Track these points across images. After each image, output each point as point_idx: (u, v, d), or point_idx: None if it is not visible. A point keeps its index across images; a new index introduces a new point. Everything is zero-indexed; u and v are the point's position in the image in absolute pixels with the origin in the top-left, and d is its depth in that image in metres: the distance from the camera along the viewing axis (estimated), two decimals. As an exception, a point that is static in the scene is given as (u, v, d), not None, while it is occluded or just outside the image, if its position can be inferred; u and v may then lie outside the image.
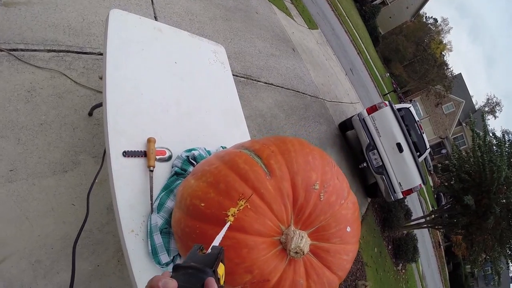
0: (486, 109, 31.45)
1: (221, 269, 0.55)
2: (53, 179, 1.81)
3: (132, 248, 1.14)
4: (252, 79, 4.65)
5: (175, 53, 1.71)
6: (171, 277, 0.48)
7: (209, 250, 0.57)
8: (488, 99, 33.33)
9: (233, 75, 4.14)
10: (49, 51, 2.09)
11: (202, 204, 0.88)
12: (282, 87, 5.43)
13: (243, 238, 0.83)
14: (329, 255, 0.94)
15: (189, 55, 1.80)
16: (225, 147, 1.68)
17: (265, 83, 4.97)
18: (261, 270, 0.85)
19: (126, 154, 1.23)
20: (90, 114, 2.10)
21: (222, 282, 0.56)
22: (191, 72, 1.75)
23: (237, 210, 0.83)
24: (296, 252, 0.84)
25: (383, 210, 7.62)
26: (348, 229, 0.97)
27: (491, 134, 6.12)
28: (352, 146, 7.15)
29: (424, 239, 11.62)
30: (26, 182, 1.70)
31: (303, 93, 6.17)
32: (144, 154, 1.29)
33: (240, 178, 0.88)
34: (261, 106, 4.50)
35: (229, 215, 0.83)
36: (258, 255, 0.85)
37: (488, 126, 6.32)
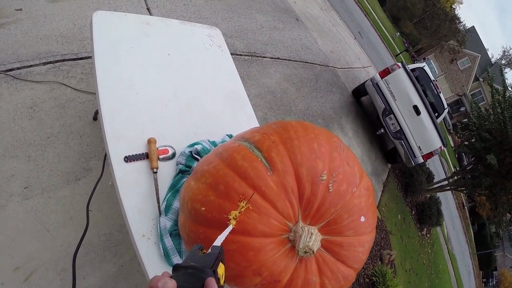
0: (503, 62, 30.02)
1: (221, 269, 0.55)
2: (67, 189, 1.85)
3: (145, 253, 1.13)
4: (257, 56, 4.51)
5: (167, 44, 1.63)
6: (170, 277, 0.48)
7: (209, 250, 0.58)
8: (504, 52, 31.82)
9: (237, 54, 4.08)
10: (45, 63, 2.09)
11: (203, 208, 0.83)
12: (289, 60, 5.27)
13: (248, 241, 0.78)
14: (342, 249, 0.88)
15: (183, 44, 1.71)
16: (231, 135, 1.62)
17: (271, 58, 4.83)
18: (271, 271, 0.80)
19: (127, 159, 1.20)
20: (95, 118, 2.09)
21: (222, 282, 0.55)
22: (186, 61, 1.67)
23: (239, 213, 0.78)
24: (306, 252, 0.78)
25: (405, 175, 7.48)
26: (362, 219, 0.90)
27: (510, 89, 5.81)
28: (367, 112, 6.95)
29: (447, 201, 11.45)
30: (42, 197, 1.74)
31: (312, 63, 5.98)
32: (146, 156, 1.25)
33: (239, 177, 0.82)
34: (270, 82, 4.39)
35: (230, 219, 0.78)
36: (266, 256, 0.80)
37: (506, 80, 5.97)
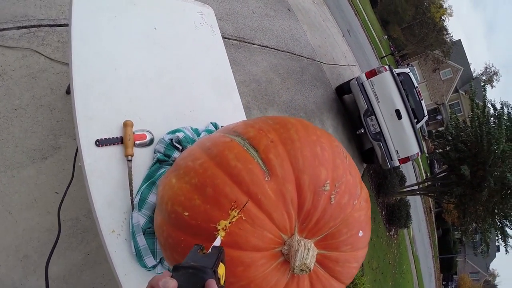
0: (484, 77, 31.14)
1: (221, 269, 0.54)
2: (33, 168, 1.70)
3: (114, 250, 1.01)
4: (245, 42, 4.35)
5: (155, 18, 1.46)
6: (171, 276, 0.47)
7: (210, 250, 0.57)
8: (486, 68, 32.97)
9: (225, 37, 3.88)
10: (19, 28, 1.89)
11: (186, 213, 0.70)
12: (277, 50, 5.13)
13: (238, 256, 0.67)
14: (337, 265, 0.79)
15: (171, 19, 1.54)
16: (216, 124, 1.49)
17: (259, 45, 4.67)
18: (260, 287, 0.70)
19: (99, 143, 1.05)
20: (68, 92, 1.90)
21: (222, 282, 0.55)
22: (174, 38, 1.51)
23: (229, 223, 0.66)
24: (302, 270, 0.68)
25: (379, 176, 7.59)
26: (361, 233, 0.81)
27: (490, 105, 5.97)
28: (349, 110, 6.94)
29: (416, 204, 11.84)
30: (4, 175, 1.60)
31: (299, 55, 5.87)
32: (120, 140, 1.11)
33: (231, 180, 0.70)
34: (255, 70, 4.25)
35: (219, 229, 0.66)
36: (256, 272, 0.69)
37: (486, 97, 6.16)
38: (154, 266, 1.06)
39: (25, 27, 1.91)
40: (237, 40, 4.18)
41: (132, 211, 1.06)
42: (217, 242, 0.62)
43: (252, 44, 4.51)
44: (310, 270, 0.68)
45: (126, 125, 1.12)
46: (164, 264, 1.08)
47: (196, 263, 0.51)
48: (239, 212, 0.66)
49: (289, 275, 0.75)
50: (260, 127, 0.83)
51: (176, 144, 1.20)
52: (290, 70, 5.26)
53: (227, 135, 0.84)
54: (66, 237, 1.70)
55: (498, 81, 33.09)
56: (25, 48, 1.85)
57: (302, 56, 5.99)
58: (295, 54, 5.72)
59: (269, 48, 4.92)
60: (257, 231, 0.67)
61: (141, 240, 1.03)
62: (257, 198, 0.68)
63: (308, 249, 0.69)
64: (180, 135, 1.21)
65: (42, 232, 1.64)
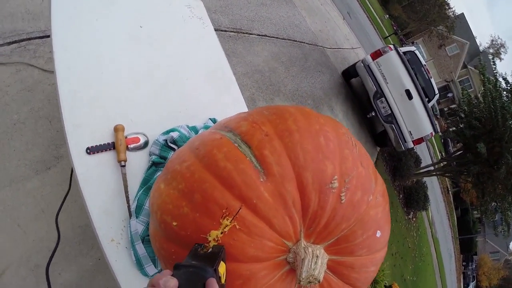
0: (491, 51, 30.26)
1: (222, 268, 0.54)
2: (37, 179, 1.72)
3: (115, 259, 0.97)
4: (243, 32, 4.25)
5: (139, 15, 1.37)
6: (172, 275, 0.47)
7: (210, 249, 0.56)
8: (492, 41, 32.10)
9: (221, 30, 3.79)
10: (9, 43, 1.89)
11: (174, 223, 0.62)
12: (277, 38, 5.02)
13: (234, 268, 0.58)
14: (353, 271, 0.69)
15: (157, 15, 1.46)
16: (215, 120, 1.40)
17: (258, 35, 4.56)
18: (263, 302, 0.61)
19: (90, 150, 1.00)
20: None
21: (223, 281, 0.54)
22: (162, 35, 1.42)
23: (221, 233, 0.57)
24: (309, 282, 0.59)
25: (393, 159, 7.43)
26: (378, 233, 0.71)
27: (501, 79, 5.72)
28: (358, 94, 6.79)
29: (433, 185, 11.61)
30: (10, 189, 1.62)
31: (300, 41, 5.74)
32: (112, 146, 1.04)
33: (221, 183, 0.60)
34: (257, 60, 4.15)
35: (210, 241, 0.57)
36: (257, 285, 0.60)
37: (496, 70, 5.90)
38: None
39: (15, 41, 1.91)
40: (235, 32, 4.08)
41: (130, 218, 1.00)
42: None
43: (251, 34, 4.41)
44: (319, 281, 0.58)
45: (117, 129, 1.05)
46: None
47: (197, 262, 0.51)
48: (231, 220, 0.57)
49: (297, 286, 0.65)
50: (254, 119, 0.72)
51: (171, 145, 1.12)
52: (293, 57, 5.14)
53: (218, 131, 0.74)
54: (76, 244, 1.71)
55: (505, 53, 32.25)
56: (17, 63, 1.85)
57: (304, 42, 5.86)
58: (296, 41, 5.60)
59: (269, 37, 4.81)
60: (255, 240, 0.58)
61: (141, 249, 0.98)
62: (252, 203, 0.58)
63: (317, 256, 0.59)
64: (175, 134, 1.13)
65: (52, 242, 1.62)
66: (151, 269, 0.99)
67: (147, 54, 1.32)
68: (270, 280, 0.62)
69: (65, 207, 1.73)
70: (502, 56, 31.94)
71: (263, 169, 0.61)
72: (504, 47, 31.69)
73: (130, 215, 1.01)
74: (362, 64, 5.67)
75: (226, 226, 0.57)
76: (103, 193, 1.00)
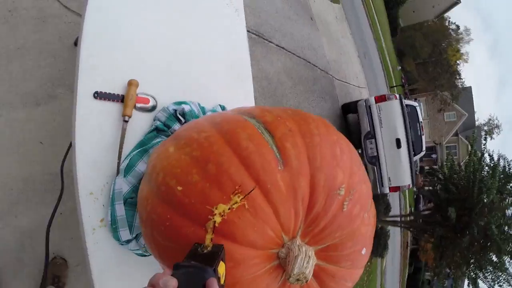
0: (485, 128, 31.37)
1: (221, 268, 0.54)
2: (23, 111, 1.64)
3: (88, 215, 0.91)
4: (264, 38, 4.30)
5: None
6: (171, 275, 0.46)
7: (209, 249, 0.56)
8: (489, 119, 33.23)
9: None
10: None
11: (179, 188, 0.61)
12: (293, 54, 5.10)
13: (229, 249, 0.57)
14: (333, 280, 0.70)
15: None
16: (224, 107, 1.40)
17: (277, 45, 4.62)
18: (245, 290, 0.61)
19: (98, 95, 0.96)
20: (76, 43, 1.80)
21: (222, 281, 0.54)
22: (197, 10, 1.41)
23: (229, 209, 0.57)
24: (298, 279, 0.59)
25: (365, 201, 7.52)
26: (364, 251, 0.73)
27: (487, 155, 5.96)
28: (350, 130, 6.93)
29: (395, 236, 11.84)
30: None
31: (313, 65, 5.85)
32: (121, 98, 1.01)
33: (240, 160, 0.61)
34: (269, 68, 4.21)
35: (215, 213, 0.57)
36: (245, 272, 0.60)
37: (485, 147, 6.17)
38: (128, 241, 0.95)
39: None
40: (256, 35, 4.13)
41: (116, 176, 0.96)
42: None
43: (270, 42, 4.47)
44: (307, 281, 0.59)
45: (131, 84, 1.03)
46: (140, 241, 0.98)
47: (196, 262, 0.51)
48: (242, 198, 0.57)
49: (281, 282, 0.66)
50: (278, 114, 0.74)
51: (179, 116, 1.10)
52: (303, 77, 5.24)
53: (240, 115, 0.75)
54: (41, 191, 1.63)
55: (498, 134, 33.42)
56: (41, -10, 1.78)
57: (316, 66, 5.98)
58: (310, 62, 5.70)
59: (286, 50, 4.88)
60: (258, 224, 0.58)
61: (120, 210, 0.93)
62: (266, 187, 0.59)
63: (309, 257, 0.60)
64: (186, 107, 1.12)
65: (17, 181, 1.57)
66: (125, 234, 0.93)
67: (178, 25, 1.30)
68: (258, 271, 0.62)
69: (41, 148, 1.66)
70: (494, 136, 33.07)
71: (282, 159, 0.62)
72: (499, 128, 32.90)
73: (118, 173, 0.98)
74: (364, 103, 5.81)
75: (236, 202, 0.57)
76: (96, 142, 0.96)
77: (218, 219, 0.57)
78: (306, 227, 0.64)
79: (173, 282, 0.44)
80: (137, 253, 0.99)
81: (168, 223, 0.62)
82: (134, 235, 0.95)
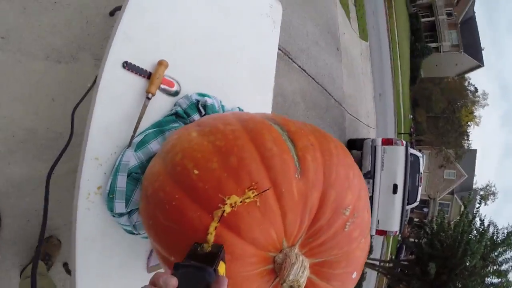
0: (482, 193, 31.40)
1: (221, 268, 0.54)
2: (43, 64, 1.62)
3: (87, 178, 0.90)
4: (289, 57, 4.38)
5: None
6: (172, 274, 0.47)
7: (209, 248, 0.57)
8: (487, 185, 33.34)
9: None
10: None
11: (196, 171, 0.62)
12: (313, 79, 5.19)
13: (231, 242, 0.59)
14: (320, 298, 0.71)
15: (244, -3, 1.50)
16: (243, 111, 1.42)
17: (299, 66, 4.72)
18: None
19: (126, 65, 0.98)
20: (112, 14, 1.84)
21: None
22: (238, 13, 1.46)
23: (240, 202, 0.58)
24: (291, 287, 0.61)
25: (348, 238, 7.48)
26: (354, 275, 0.75)
27: (478, 219, 5.96)
28: (351, 165, 6.97)
29: (370, 279, 11.71)
30: (13, 56, 1.52)
31: (329, 93, 5.96)
32: (148, 75, 1.03)
33: (261, 160, 0.63)
34: (287, 86, 4.28)
35: (226, 203, 0.58)
36: (241, 269, 0.61)
37: (478, 211, 6.18)
38: (120, 215, 0.95)
39: None
40: (282, 51, 4.20)
41: (127, 148, 0.97)
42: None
43: (294, 62, 4.55)
44: (298, 290, 0.60)
45: (161, 64, 1.05)
46: (132, 218, 0.97)
47: (196, 262, 0.51)
48: (256, 195, 0.59)
49: (271, 287, 0.67)
50: (300, 126, 0.76)
51: (201, 108, 1.12)
52: (317, 103, 5.32)
53: (265, 119, 0.77)
54: (41, 146, 1.60)
55: (493, 201, 33.48)
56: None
57: (332, 96, 6.06)
58: (326, 90, 5.79)
59: (307, 73, 4.97)
60: (264, 224, 0.59)
61: (122, 181, 0.92)
62: (280, 191, 0.61)
63: (304, 267, 0.61)
64: (209, 101, 1.14)
65: (21, 129, 1.54)
66: (119, 207, 0.92)
67: (217, 22, 1.34)
68: (252, 271, 0.63)
69: (52, 104, 1.65)
70: (488, 202, 33.07)
71: (301, 169, 0.64)
72: (494, 195, 32.96)
73: (129, 145, 0.99)
74: (371, 143, 5.88)
75: (249, 197, 0.58)
76: (114, 110, 0.96)
77: (228, 208, 0.58)
78: (306, 238, 0.66)
79: (173, 281, 0.44)
80: (126, 229, 0.98)
81: (174, 202, 0.63)
82: (128, 210, 0.95)
